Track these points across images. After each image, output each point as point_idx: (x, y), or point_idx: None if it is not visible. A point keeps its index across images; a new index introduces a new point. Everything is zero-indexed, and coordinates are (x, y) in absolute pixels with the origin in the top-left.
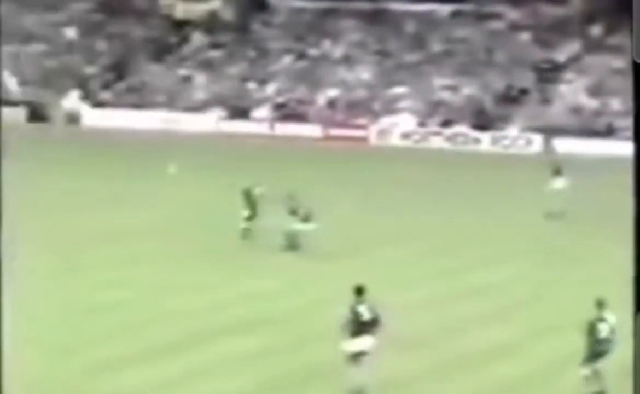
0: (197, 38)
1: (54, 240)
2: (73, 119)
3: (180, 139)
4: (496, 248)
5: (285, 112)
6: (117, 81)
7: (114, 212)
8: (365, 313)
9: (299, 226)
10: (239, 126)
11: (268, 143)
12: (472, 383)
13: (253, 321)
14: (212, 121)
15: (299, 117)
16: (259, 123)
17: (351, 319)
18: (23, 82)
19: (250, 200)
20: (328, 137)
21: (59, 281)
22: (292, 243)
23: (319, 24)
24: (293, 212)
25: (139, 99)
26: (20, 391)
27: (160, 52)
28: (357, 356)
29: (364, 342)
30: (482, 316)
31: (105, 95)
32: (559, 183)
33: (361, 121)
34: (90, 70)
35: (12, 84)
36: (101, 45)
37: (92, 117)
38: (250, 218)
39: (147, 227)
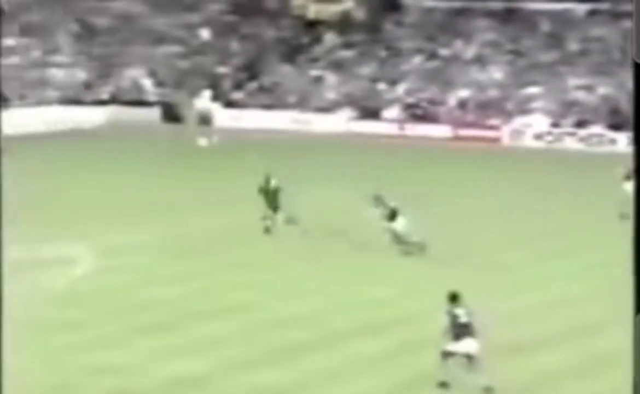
0: (329, 38)
1: (185, 241)
2: (205, 119)
3: (310, 139)
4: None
5: (416, 113)
6: (249, 81)
7: (245, 211)
8: (463, 316)
9: (390, 225)
10: (369, 126)
11: (397, 143)
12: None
13: (376, 324)
14: (342, 121)
15: (429, 118)
16: (389, 123)
17: (450, 322)
18: (158, 83)
19: (268, 195)
20: (458, 138)
21: (190, 284)
22: (401, 242)
23: (451, 23)
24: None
25: (271, 99)
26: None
27: (292, 52)
28: (460, 357)
29: (468, 345)
30: (604, 319)
31: (237, 95)
32: None
33: (493, 121)
34: (222, 70)
35: (147, 84)
36: (234, 45)
37: (224, 117)
38: (270, 214)
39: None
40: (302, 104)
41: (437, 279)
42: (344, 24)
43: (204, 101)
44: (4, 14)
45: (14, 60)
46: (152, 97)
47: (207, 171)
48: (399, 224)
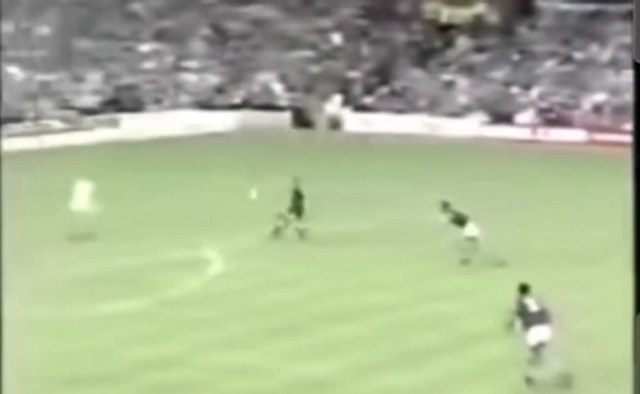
0: (462, 42)
1: (314, 243)
2: (335, 123)
3: (441, 144)
4: None
5: (549, 117)
6: (379, 86)
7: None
8: (533, 305)
9: (459, 231)
10: (501, 131)
11: (530, 148)
12: None
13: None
14: (474, 126)
15: (562, 122)
16: (521, 128)
17: (520, 311)
18: (288, 88)
19: (296, 198)
20: (593, 142)
21: (319, 285)
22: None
23: (586, 26)
24: (453, 218)
25: (401, 104)
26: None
27: (424, 56)
28: (536, 348)
29: (540, 333)
30: None
31: (368, 100)
32: None
33: (629, 126)
34: (353, 75)
35: (278, 89)
36: (365, 50)
37: (354, 122)
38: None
39: (384, 230)
40: (432, 108)
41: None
42: (476, 27)
43: (334, 106)
44: (140, 19)
45: (149, 65)
46: (282, 102)
47: (335, 174)
48: (470, 230)
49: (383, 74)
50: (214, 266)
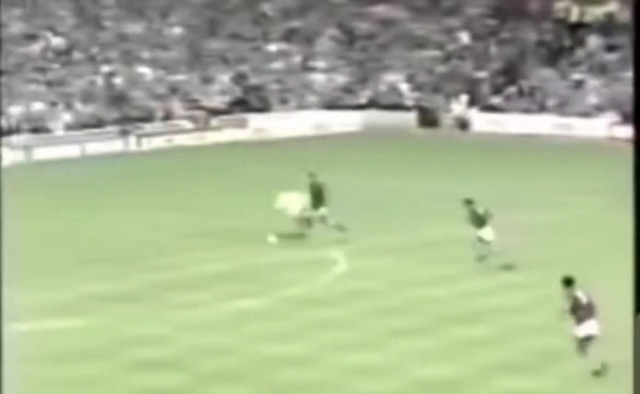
0: (593, 41)
1: (441, 246)
2: (462, 123)
3: (571, 144)
4: None
5: None
6: (507, 86)
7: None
8: (583, 297)
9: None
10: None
11: None
12: None
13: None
14: (604, 126)
15: None
16: None
17: (572, 305)
18: (415, 88)
19: (316, 191)
20: None
21: (446, 287)
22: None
23: None
24: (475, 219)
25: (530, 104)
26: None
27: (553, 56)
28: (586, 341)
29: (590, 326)
30: None
31: (496, 100)
32: None
33: None
34: (481, 74)
35: (404, 89)
36: (493, 49)
37: (481, 122)
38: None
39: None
40: (562, 108)
41: None
42: (607, 26)
43: (461, 106)
44: (269, 20)
45: (276, 65)
46: (408, 102)
47: (463, 174)
48: (486, 233)
49: (511, 74)
50: (338, 265)
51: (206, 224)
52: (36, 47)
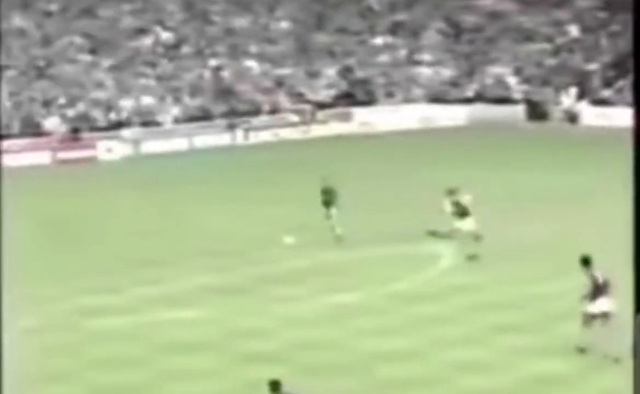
0: None
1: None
2: (572, 117)
3: None
4: None
5: None
6: (618, 79)
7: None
8: (601, 276)
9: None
10: None
11: None
12: None
13: None
14: None
15: None
16: None
17: (592, 284)
18: (523, 81)
19: (329, 195)
20: None
21: (551, 284)
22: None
23: None
24: (458, 210)
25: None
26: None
27: None
28: (599, 318)
29: (605, 304)
30: None
31: (606, 93)
32: None
33: None
34: (591, 67)
35: (512, 82)
36: (603, 42)
37: (591, 115)
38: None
39: None
40: None
41: None
42: None
43: (570, 99)
44: (375, 13)
45: (382, 59)
46: (516, 95)
47: (570, 167)
48: (467, 224)
49: (622, 67)
50: (443, 260)
51: (309, 217)
52: (146, 42)
